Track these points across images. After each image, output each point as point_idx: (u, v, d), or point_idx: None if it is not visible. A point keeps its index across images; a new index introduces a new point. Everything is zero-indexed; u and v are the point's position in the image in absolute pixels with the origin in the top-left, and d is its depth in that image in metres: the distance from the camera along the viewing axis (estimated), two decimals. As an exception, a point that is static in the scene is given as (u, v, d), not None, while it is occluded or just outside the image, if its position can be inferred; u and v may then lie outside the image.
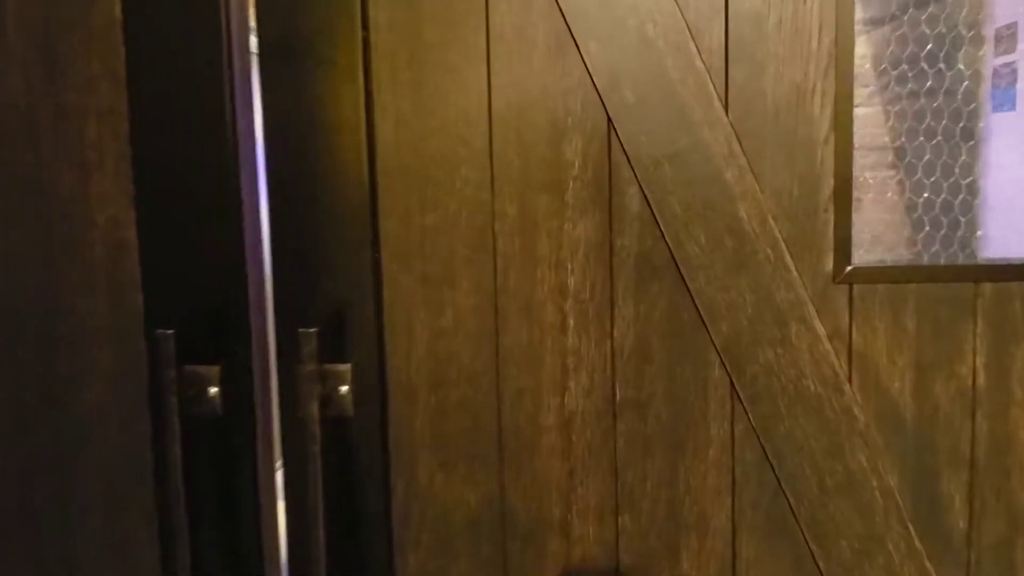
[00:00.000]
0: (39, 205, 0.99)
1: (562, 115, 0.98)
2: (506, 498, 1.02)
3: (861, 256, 1.01)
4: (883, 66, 1.22)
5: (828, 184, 0.98)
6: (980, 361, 1.00)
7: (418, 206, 1.00)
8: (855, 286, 0.99)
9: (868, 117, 1.24)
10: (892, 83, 1.22)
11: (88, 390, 1.01)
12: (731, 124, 0.97)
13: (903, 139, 1.22)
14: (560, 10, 0.96)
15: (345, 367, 0.99)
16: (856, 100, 0.96)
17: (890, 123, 1.24)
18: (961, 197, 1.23)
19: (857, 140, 0.97)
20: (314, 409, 0.95)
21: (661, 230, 0.99)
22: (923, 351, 1.00)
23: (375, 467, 1.01)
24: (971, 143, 1.24)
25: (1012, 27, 1.21)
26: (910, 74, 1.22)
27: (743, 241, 0.98)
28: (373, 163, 0.98)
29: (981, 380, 1.00)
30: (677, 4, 0.95)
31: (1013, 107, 1.22)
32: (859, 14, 0.95)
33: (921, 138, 1.22)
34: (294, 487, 0.99)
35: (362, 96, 0.96)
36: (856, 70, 0.96)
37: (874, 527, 1.01)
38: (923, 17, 1.21)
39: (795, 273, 0.99)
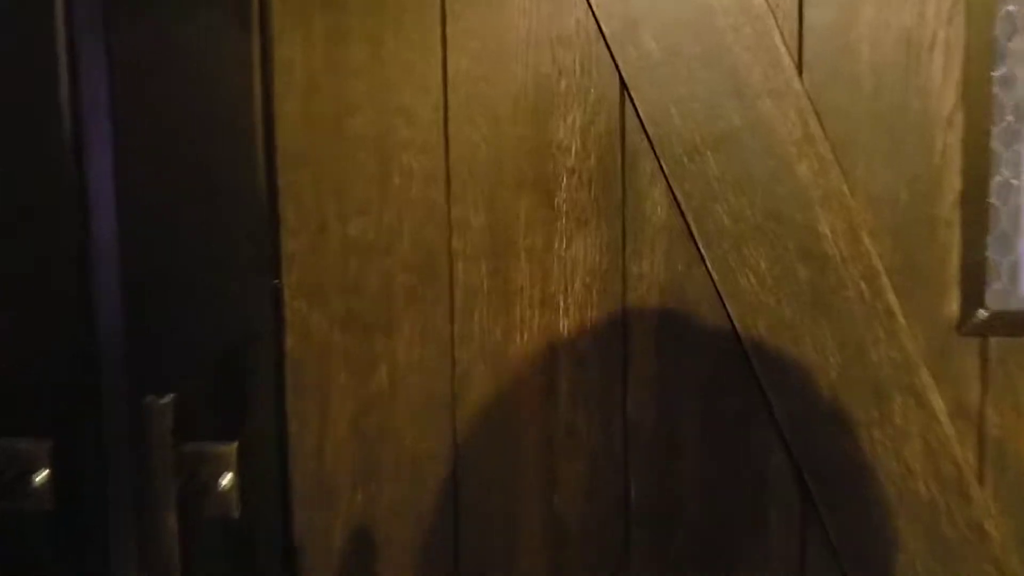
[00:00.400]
0: None
1: (552, 76, 0.88)
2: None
3: (1000, 295, 0.87)
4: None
5: (953, 186, 0.85)
6: None
7: (337, 213, 0.89)
8: (991, 340, 0.87)
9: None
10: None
11: None
12: (806, 94, 0.84)
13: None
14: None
15: (229, 448, 0.88)
16: (997, 60, 0.81)
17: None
18: None
19: (998, 120, 0.82)
20: (169, 514, 0.83)
21: (700, 251, 0.88)
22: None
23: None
24: None
25: None
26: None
27: (824, 270, 0.86)
28: (271, 149, 0.87)
29: None
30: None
31: None
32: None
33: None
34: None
35: (256, 47, 0.85)
36: (997, 13, 0.79)
37: None
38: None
39: (901, 319, 0.86)
